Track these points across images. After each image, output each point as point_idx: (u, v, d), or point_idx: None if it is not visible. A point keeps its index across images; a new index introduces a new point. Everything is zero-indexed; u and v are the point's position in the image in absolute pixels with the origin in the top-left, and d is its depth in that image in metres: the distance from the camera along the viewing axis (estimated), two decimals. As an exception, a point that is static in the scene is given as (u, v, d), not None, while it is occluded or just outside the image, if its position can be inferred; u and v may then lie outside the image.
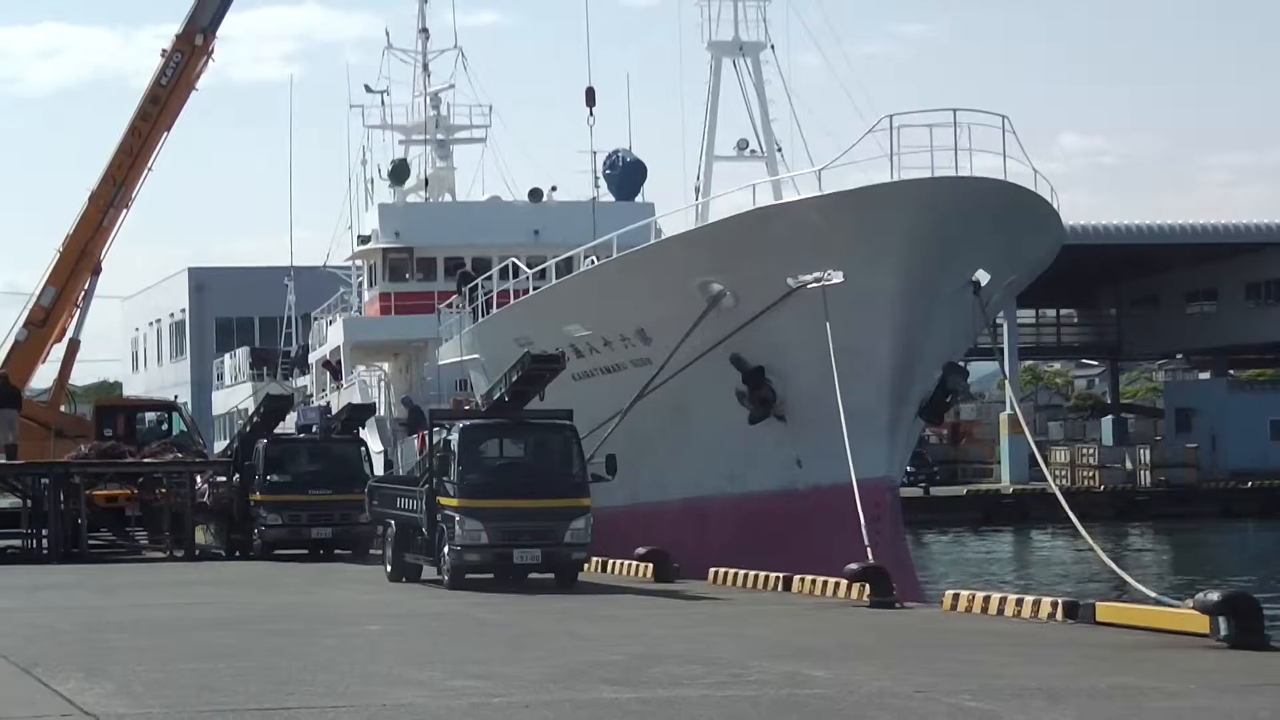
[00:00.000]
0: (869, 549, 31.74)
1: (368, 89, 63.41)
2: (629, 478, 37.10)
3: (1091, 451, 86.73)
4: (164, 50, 55.78)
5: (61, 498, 46.32)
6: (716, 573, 34.29)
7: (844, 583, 30.02)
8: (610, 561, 36.84)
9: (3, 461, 49.18)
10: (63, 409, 56.90)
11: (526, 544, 33.13)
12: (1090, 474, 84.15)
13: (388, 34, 63.98)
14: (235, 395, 74.00)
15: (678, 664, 21.02)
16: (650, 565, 35.20)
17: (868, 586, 29.35)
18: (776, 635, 25.17)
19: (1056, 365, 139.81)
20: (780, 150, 53.81)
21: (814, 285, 37.58)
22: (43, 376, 58.42)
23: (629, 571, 36.07)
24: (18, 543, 47.66)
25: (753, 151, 54.36)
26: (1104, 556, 33.84)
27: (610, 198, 59.65)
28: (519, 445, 34.90)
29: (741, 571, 33.60)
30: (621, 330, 41.68)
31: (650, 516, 42.13)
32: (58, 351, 56.73)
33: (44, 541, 46.14)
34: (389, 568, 36.07)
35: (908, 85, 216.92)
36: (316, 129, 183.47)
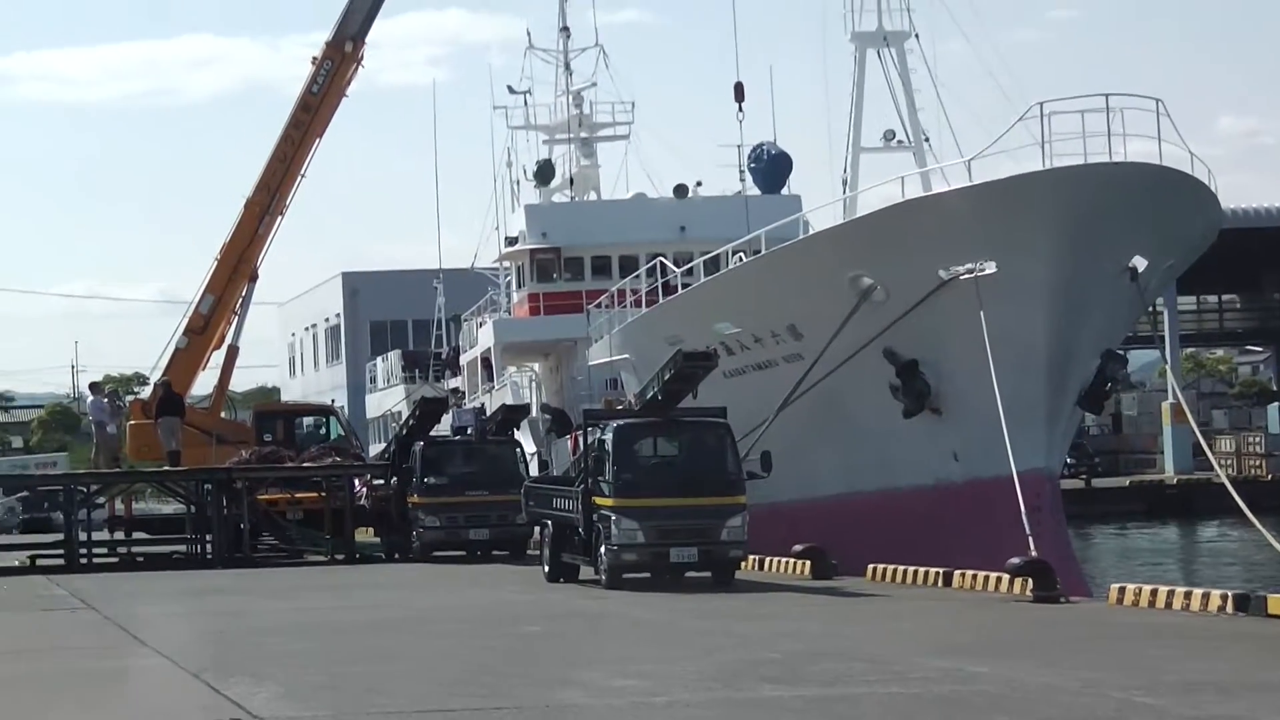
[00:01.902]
0: (1031, 542, 31.42)
1: (511, 90, 63.67)
2: (783, 474, 37.00)
3: (1258, 440, 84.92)
4: (314, 58, 56.27)
5: (224, 503, 46.91)
6: (875, 569, 34.16)
7: (1006, 577, 29.77)
8: (767, 559, 36.81)
9: (167, 468, 49.92)
10: (223, 415, 57.55)
11: (683, 542, 33.14)
12: (1257, 462, 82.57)
13: (529, 34, 64.21)
14: (389, 398, 74.57)
15: (838, 661, 20.95)
16: (808, 562, 35.11)
17: (1030, 581, 29.10)
18: (937, 631, 25.03)
19: (1219, 352, 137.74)
20: (928, 140, 53.44)
21: (966, 277, 37.30)
22: (203, 383, 59.18)
23: (786, 569, 36.02)
24: (182, 548, 48.32)
25: (900, 142, 53.98)
26: (1278, 546, 33.25)
27: (756, 191, 59.50)
28: (673, 443, 34.88)
29: (900, 567, 33.44)
30: (772, 326, 41.56)
31: (805, 513, 41.98)
32: (217, 358, 57.34)
33: (208, 547, 46.76)
34: (546, 568, 36.21)
35: (1055, 72, 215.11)
36: (462, 131, 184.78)
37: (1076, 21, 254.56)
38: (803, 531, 38.22)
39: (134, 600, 34.39)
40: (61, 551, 47.26)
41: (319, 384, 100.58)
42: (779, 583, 34.20)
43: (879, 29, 52.00)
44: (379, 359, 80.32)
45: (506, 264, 63.05)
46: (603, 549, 33.32)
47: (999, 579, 30.16)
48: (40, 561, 47.09)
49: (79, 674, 23.11)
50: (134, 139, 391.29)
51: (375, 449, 63.15)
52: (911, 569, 33.03)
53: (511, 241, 61.37)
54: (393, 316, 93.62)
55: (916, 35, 52.30)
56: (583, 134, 63.02)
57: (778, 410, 39.32)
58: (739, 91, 53.06)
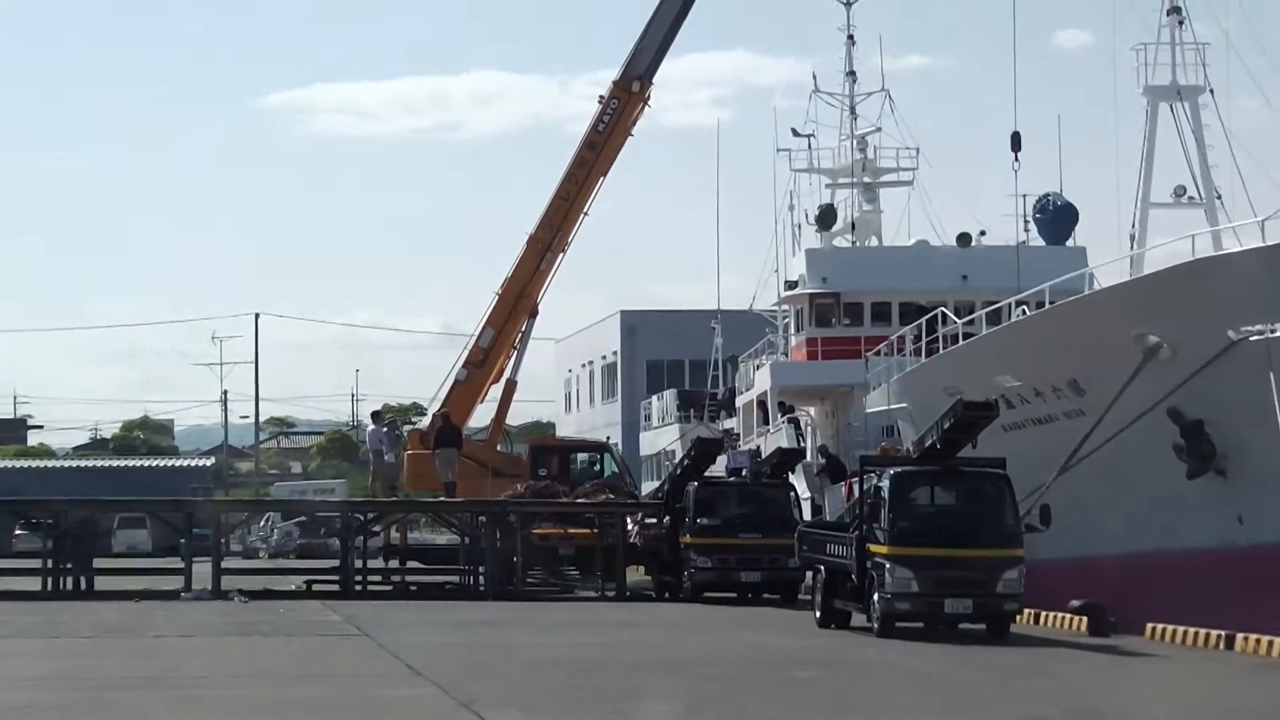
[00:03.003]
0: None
1: (795, 133, 63.46)
2: (1060, 529, 36.32)
3: None
4: (601, 97, 56.73)
5: (498, 535, 47.31)
6: (1154, 628, 33.40)
7: (1292, 644, 28.90)
8: (1042, 614, 36.19)
9: (443, 499, 50.51)
10: (499, 448, 58.13)
11: (958, 593, 32.74)
12: None
13: (815, 78, 63.99)
14: (663, 436, 74.74)
15: (1118, 723, 20.46)
16: (1085, 619, 34.47)
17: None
18: (1219, 697, 24.35)
19: None
20: (1220, 198, 52.12)
21: (1257, 338, 36.34)
22: (480, 416, 59.84)
23: (1062, 624, 35.39)
24: (455, 579, 48.80)
25: (1190, 199, 52.77)
26: None
27: (1040, 242, 58.66)
28: (950, 493, 34.52)
29: (1180, 628, 32.65)
30: (1054, 381, 40.87)
31: (1082, 569, 41.13)
32: (495, 391, 57.94)
33: (480, 578, 47.18)
34: (818, 614, 35.95)
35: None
36: (744, 173, 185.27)
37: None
38: (1082, 588, 37.49)
39: (407, 629, 34.82)
40: (337, 577, 48.02)
41: (594, 420, 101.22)
42: (1054, 638, 33.60)
43: (1173, 83, 50.91)
44: (654, 397, 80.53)
45: (785, 307, 62.88)
46: (876, 597, 33.03)
47: (1285, 646, 29.27)
48: (316, 586, 47.88)
49: (354, 701, 23.43)
50: (420, 173, 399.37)
51: (648, 487, 63.27)
52: (1192, 630, 32.24)
53: (791, 285, 61.18)
54: (669, 356, 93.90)
55: (1211, 90, 51.18)
56: (866, 179, 62.65)
57: (1063, 467, 38.58)
58: (1015, 141, 52.31)
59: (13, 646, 31.37)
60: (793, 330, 62.03)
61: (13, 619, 37.50)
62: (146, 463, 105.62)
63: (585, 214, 57.00)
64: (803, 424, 56.48)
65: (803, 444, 54.27)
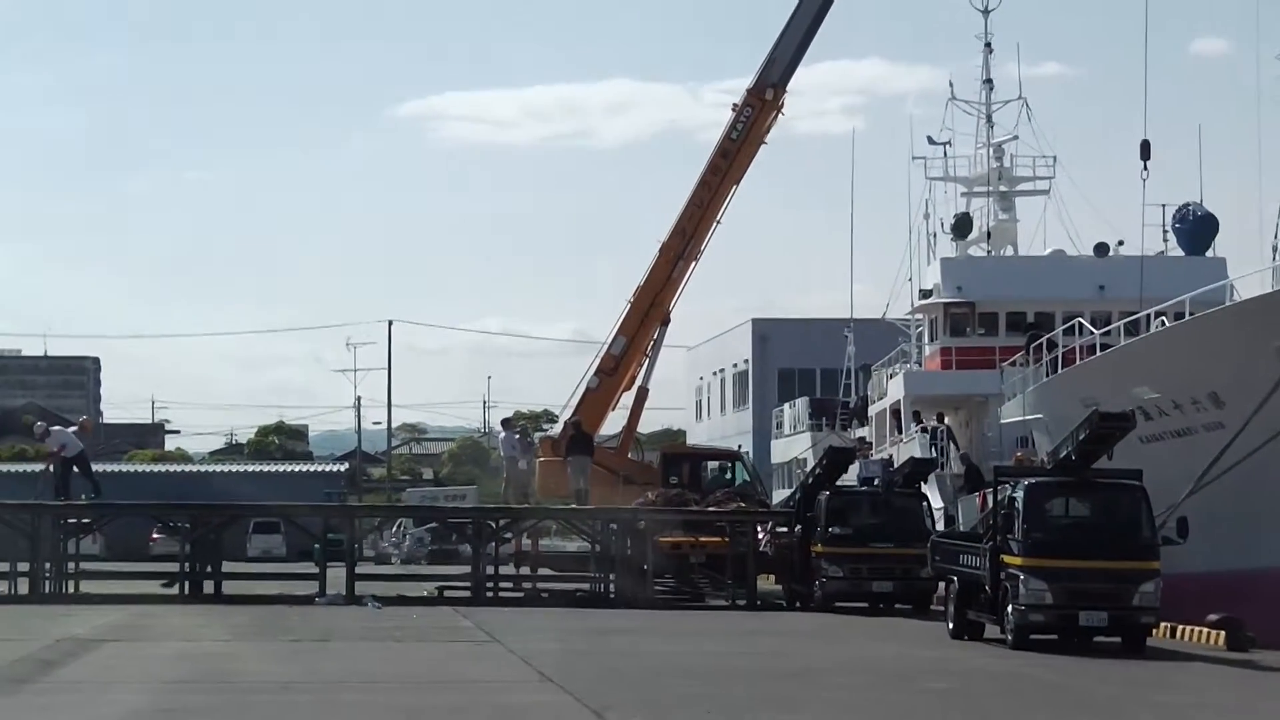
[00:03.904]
0: None
1: (930, 141, 63.15)
2: (1197, 541, 35.91)
3: None
4: (734, 105, 56.68)
5: (628, 543, 47.33)
6: (1294, 644, 32.91)
7: None
8: (1178, 627, 35.76)
9: (574, 506, 50.58)
10: (631, 456, 58.17)
11: (1093, 606, 32.45)
12: None
13: (951, 86, 63.67)
14: (795, 445, 74.55)
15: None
16: (1223, 633, 34.02)
17: None
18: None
19: None
20: (1366, 207, 51.33)
21: (1401, 351, 35.78)
22: (611, 423, 59.90)
23: (1199, 638, 34.95)
24: (586, 586, 48.87)
25: (1335, 208, 51.98)
26: None
27: (1180, 252, 58.07)
28: (1085, 504, 34.20)
29: (1322, 644, 32.16)
30: (1193, 393, 40.42)
31: (1220, 583, 40.64)
32: (627, 399, 58.00)
33: (611, 586, 47.22)
34: (951, 624, 35.72)
35: None
36: (876, 181, 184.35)
37: None
38: (1220, 602, 37.03)
39: (538, 635, 34.89)
40: (469, 583, 48.22)
41: (724, 428, 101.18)
42: (1191, 652, 33.21)
43: (1317, 92, 50.28)
44: (786, 405, 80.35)
45: (919, 316, 62.60)
46: (1010, 608, 32.81)
47: None
48: (448, 592, 48.11)
49: (487, 707, 23.51)
50: (551, 181, 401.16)
51: (779, 495, 63.12)
52: (1334, 647, 31.72)
53: (926, 294, 60.91)
54: (801, 364, 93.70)
55: (1357, 99, 50.42)
56: (1002, 187, 62.23)
57: (1200, 480, 38.11)
58: (1145, 150, 51.76)
59: (152, 649, 31.73)
60: (926, 339, 61.72)
61: (151, 622, 37.96)
62: (281, 468, 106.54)
63: (718, 222, 56.98)
64: (936, 433, 56.11)
65: (936, 453, 53.93)
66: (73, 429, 50.37)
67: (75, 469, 47.56)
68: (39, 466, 52.84)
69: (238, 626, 36.57)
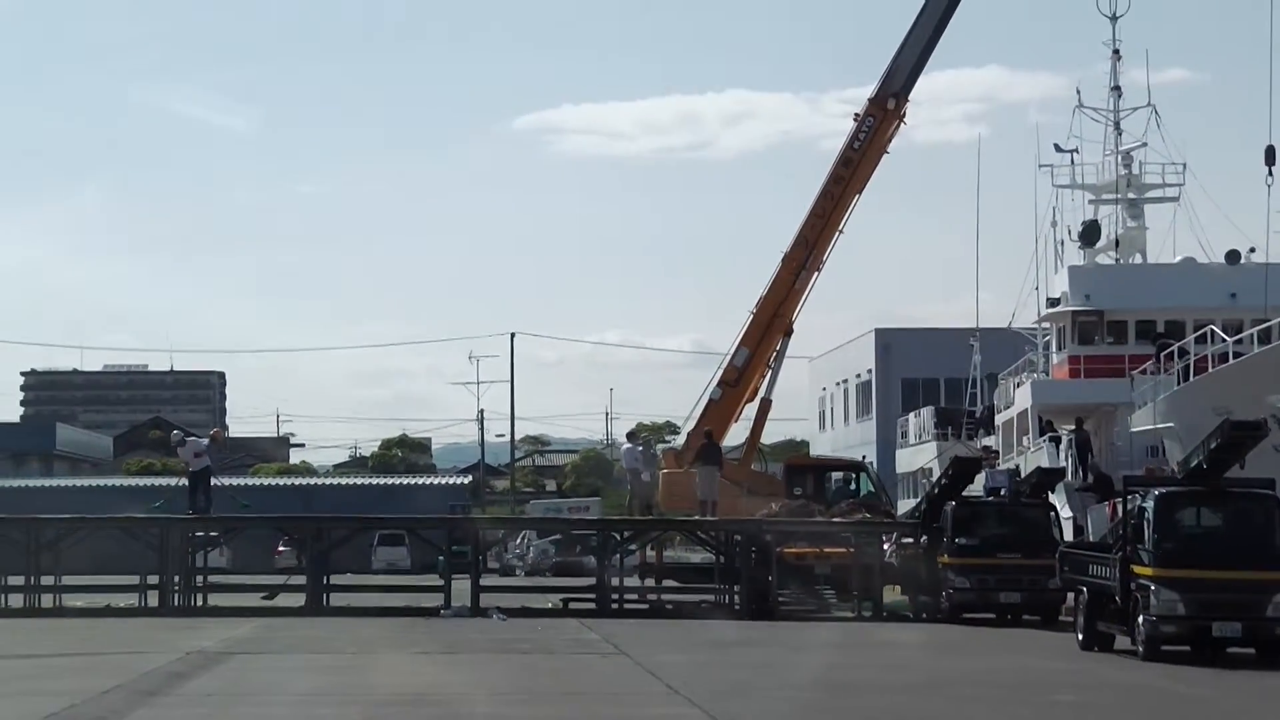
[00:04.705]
0: None
1: (1057, 148, 62.63)
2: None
3: None
4: (856, 114, 56.35)
5: (753, 554, 47.14)
6: None
7: None
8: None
9: (698, 517, 50.39)
10: (754, 467, 57.94)
11: (1226, 616, 31.95)
12: None
13: (1079, 93, 63.10)
14: (920, 455, 74.11)
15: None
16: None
17: None
18: None
19: None
20: None
21: None
22: (734, 435, 59.66)
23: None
24: (711, 597, 48.71)
25: None
26: None
27: (1315, 258, 57.25)
28: (1217, 514, 33.70)
29: None
30: (1329, 401, 39.85)
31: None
32: (749, 410, 57.77)
33: (735, 597, 47.05)
34: (1080, 636, 35.30)
35: None
36: (998, 189, 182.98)
37: None
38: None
39: (664, 647, 34.80)
40: (593, 596, 48.19)
41: (848, 439, 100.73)
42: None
43: None
44: (911, 415, 79.92)
45: (1046, 325, 62.10)
46: (1140, 619, 32.36)
47: None
48: (573, 604, 48.10)
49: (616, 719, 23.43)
50: (669, 192, 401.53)
51: (904, 505, 62.72)
52: None
53: (1053, 302, 60.41)
54: (925, 374, 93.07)
55: None
56: (1131, 195, 61.63)
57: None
58: (1270, 155, 51.01)
59: (280, 662, 31.90)
60: (1054, 348, 61.24)
61: (278, 635, 38.18)
62: (405, 480, 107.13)
63: (840, 232, 56.64)
64: (1063, 443, 55.55)
65: (1067, 462, 53.38)
66: (204, 441, 50.96)
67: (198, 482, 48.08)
68: (166, 480, 53.38)
69: (364, 639, 36.70)
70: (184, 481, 50.21)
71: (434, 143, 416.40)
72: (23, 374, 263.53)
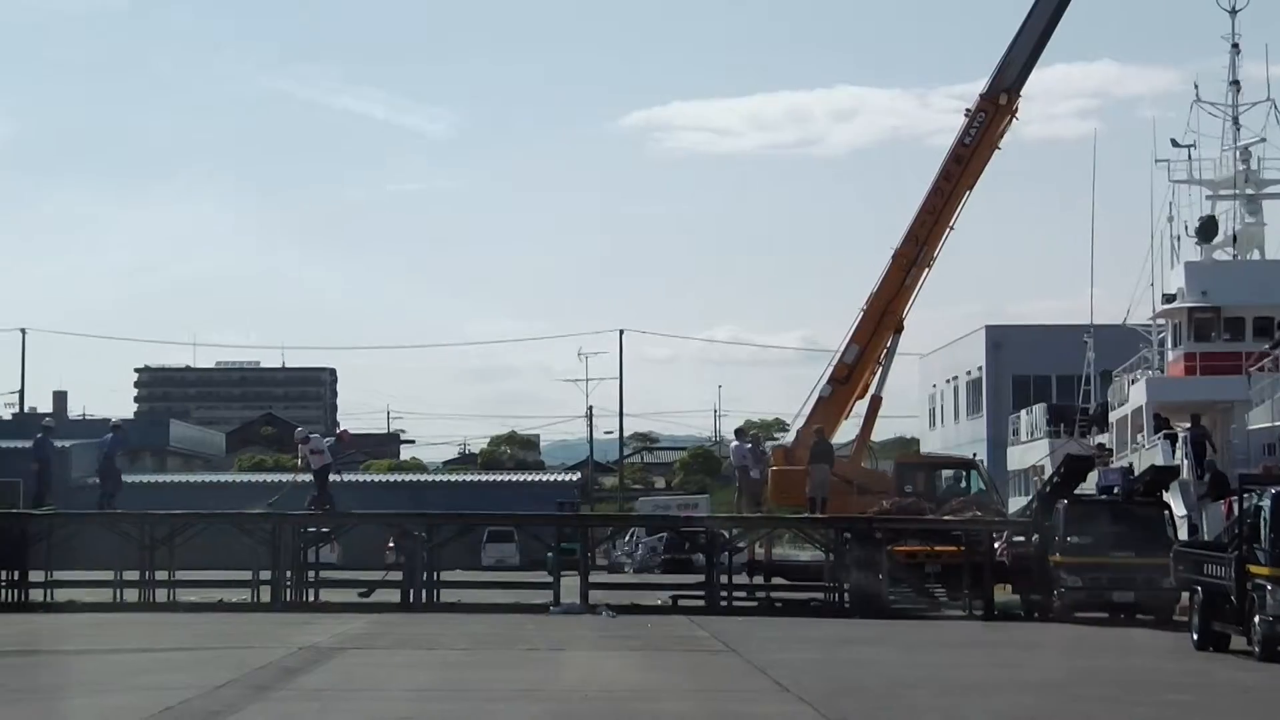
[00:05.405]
0: None
1: (1174, 143, 62.00)
2: None
3: None
4: (967, 110, 55.91)
5: (863, 552, 46.90)
6: None
7: None
8: None
9: (807, 515, 50.21)
10: (864, 465, 57.67)
11: (1344, 617, 31.47)
12: None
13: (1196, 87, 62.51)
14: (1031, 453, 73.57)
15: None
16: None
17: None
18: None
19: None
20: None
21: None
22: (843, 432, 59.37)
23: None
24: (820, 595, 48.57)
25: None
26: None
27: None
28: (1336, 514, 33.17)
29: None
30: None
31: None
32: (859, 407, 57.46)
33: (845, 595, 46.87)
34: (1195, 636, 34.91)
35: None
36: (1111, 185, 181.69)
37: None
38: None
39: (773, 645, 34.71)
40: (702, 593, 48.14)
41: (958, 436, 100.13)
42: None
43: None
44: (1023, 412, 79.33)
45: (1162, 321, 61.53)
46: (1257, 619, 31.96)
47: None
48: (681, 602, 48.07)
49: (725, 716, 23.38)
50: (778, 189, 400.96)
51: (1015, 504, 62.25)
52: None
53: (1169, 299, 59.83)
54: (1036, 371, 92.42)
55: None
56: (1249, 190, 60.92)
57: None
58: None
59: (391, 657, 32.02)
60: (1169, 344, 60.66)
61: (389, 630, 38.35)
62: (514, 477, 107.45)
63: (951, 228, 56.23)
64: (1178, 441, 54.97)
65: (1183, 459, 52.82)
66: (328, 440, 51.51)
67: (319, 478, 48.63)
68: (280, 476, 53.85)
69: (474, 635, 36.83)
70: (303, 478, 50.76)
71: (543, 140, 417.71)
72: (136, 371, 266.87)
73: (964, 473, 57.99)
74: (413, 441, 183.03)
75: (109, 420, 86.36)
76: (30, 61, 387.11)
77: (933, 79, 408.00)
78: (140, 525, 48.17)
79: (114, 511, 49.37)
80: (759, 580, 52.55)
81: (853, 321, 56.65)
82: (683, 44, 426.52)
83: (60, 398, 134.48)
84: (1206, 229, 60.50)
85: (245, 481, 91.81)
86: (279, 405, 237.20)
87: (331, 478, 50.16)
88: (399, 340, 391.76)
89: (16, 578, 47.68)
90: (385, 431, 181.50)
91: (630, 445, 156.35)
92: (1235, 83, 61.58)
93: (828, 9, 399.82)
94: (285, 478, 62.99)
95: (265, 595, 47.16)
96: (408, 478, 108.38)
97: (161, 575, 47.84)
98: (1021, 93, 55.58)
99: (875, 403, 57.41)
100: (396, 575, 48.79)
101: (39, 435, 51.12)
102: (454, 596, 47.63)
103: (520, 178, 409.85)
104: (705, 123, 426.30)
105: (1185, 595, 37.41)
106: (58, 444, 60.67)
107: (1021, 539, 46.99)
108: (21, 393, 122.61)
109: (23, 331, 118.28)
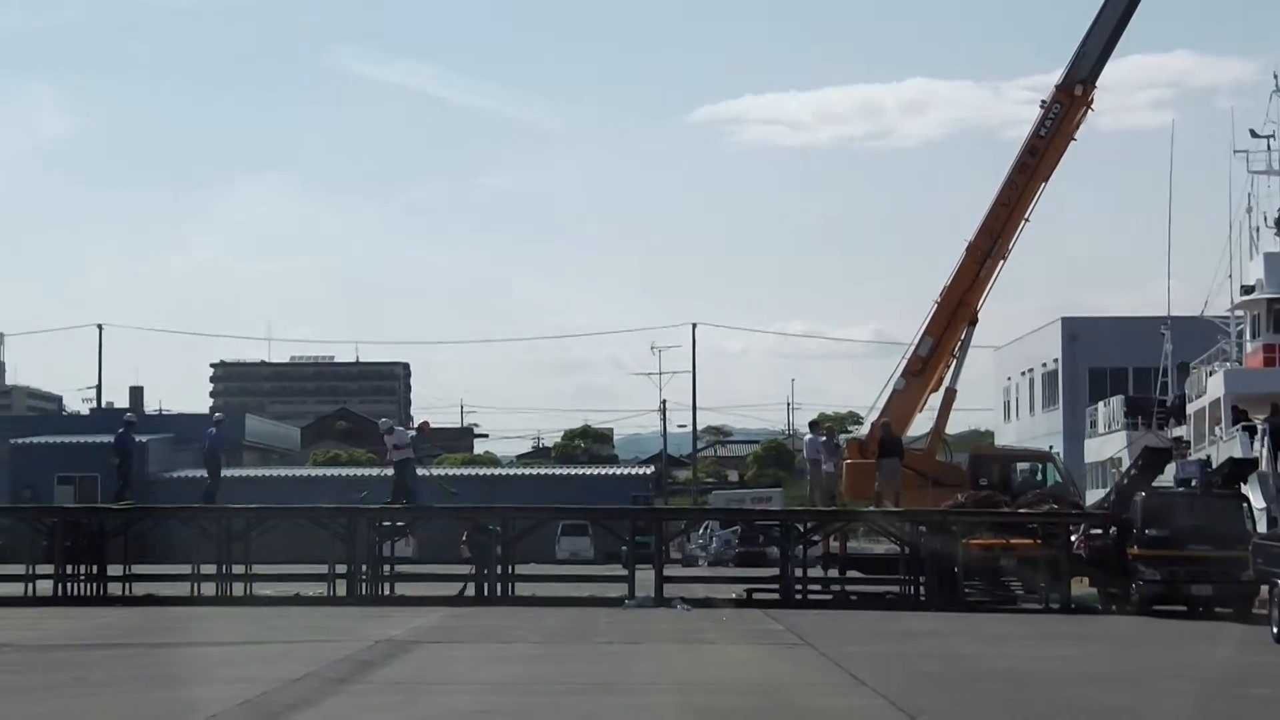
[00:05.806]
0: None
1: (1253, 134, 61.62)
2: None
3: None
4: (1042, 102, 55.61)
5: (938, 545, 46.75)
6: None
7: None
8: None
9: (882, 508, 50.07)
10: (939, 458, 57.45)
11: None
12: None
13: (1276, 77, 62.06)
14: (1109, 445, 73.22)
15: None
16: None
17: None
18: None
19: None
20: None
21: None
22: (918, 424, 59.21)
23: None
24: (895, 589, 48.44)
25: None
26: None
27: None
28: None
29: None
30: None
31: None
32: (934, 400, 57.26)
33: (921, 588, 46.73)
34: (1275, 629, 34.62)
35: None
36: (1187, 176, 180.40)
37: None
38: None
39: (849, 638, 34.62)
40: (776, 586, 48.09)
41: (1034, 429, 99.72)
42: None
43: None
44: (1100, 404, 78.98)
45: (1240, 313, 61.10)
46: (1336, 613, 31.71)
47: None
48: (756, 595, 48.02)
49: (801, 710, 23.37)
50: (851, 182, 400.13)
51: (1092, 496, 61.92)
52: None
53: (1248, 290, 59.42)
54: (1112, 363, 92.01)
55: None
56: (1329, 181, 60.54)
57: None
58: None
59: (466, 651, 32.11)
60: (1248, 336, 60.24)
61: (464, 624, 38.46)
62: (588, 471, 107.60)
63: (1026, 220, 55.94)
64: (1257, 432, 54.54)
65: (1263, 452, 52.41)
66: (411, 432, 51.73)
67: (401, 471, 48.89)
68: (355, 471, 54.11)
69: (549, 629, 36.88)
70: (385, 471, 51.05)
71: (615, 134, 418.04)
72: (212, 366, 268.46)
73: (1039, 465, 57.67)
74: (486, 435, 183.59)
75: (211, 413, 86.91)
76: (115, 59, 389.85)
77: (1006, 70, 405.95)
78: (217, 520, 48.47)
79: (189, 506, 49.65)
80: (834, 573, 52.44)
81: (926, 314, 56.46)
82: (753, 38, 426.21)
83: (137, 393, 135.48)
84: (1286, 220, 60.12)
85: (321, 475, 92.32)
86: (353, 400, 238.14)
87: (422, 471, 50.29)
88: (474, 334, 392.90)
89: (95, 571, 48.09)
90: (460, 425, 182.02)
91: (703, 439, 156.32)
92: (1312, 75, 61.14)
93: (895, 1, 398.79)
94: (364, 472, 63.24)
95: (341, 589, 47.36)
96: (481, 471, 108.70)
97: (238, 569, 48.10)
98: (1097, 84, 55.27)
99: (950, 395, 57.17)
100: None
101: (120, 429, 51.45)
102: (528, 590, 47.71)
103: (593, 172, 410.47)
104: (777, 116, 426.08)
105: (1264, 588, 37.10)
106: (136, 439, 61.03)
107: (1098, 532, 46.69)
108: (99, 388, 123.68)
109: (99, 327, 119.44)
